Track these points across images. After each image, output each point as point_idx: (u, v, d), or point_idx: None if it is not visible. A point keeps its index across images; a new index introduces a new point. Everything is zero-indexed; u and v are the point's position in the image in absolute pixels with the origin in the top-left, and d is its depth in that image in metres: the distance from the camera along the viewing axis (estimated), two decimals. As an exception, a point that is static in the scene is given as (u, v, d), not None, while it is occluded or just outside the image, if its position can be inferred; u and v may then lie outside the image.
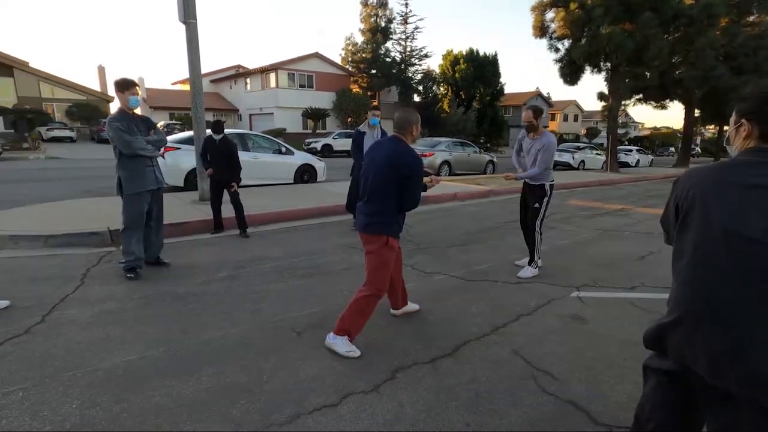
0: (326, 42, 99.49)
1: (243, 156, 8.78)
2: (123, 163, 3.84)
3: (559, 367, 2.57)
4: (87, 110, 29.74)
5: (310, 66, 32.83)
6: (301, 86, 32.69)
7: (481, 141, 34.67)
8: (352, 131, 27.13)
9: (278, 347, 2.71)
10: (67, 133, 25.89)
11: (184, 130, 15.50)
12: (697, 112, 25.85)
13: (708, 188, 1.27)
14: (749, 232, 1.18)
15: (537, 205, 4.18)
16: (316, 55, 33.06)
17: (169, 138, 8.95)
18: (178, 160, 8.47)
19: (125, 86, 3.82)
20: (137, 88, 3.92)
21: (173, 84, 41.57)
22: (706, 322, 1.28)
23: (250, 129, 32.38)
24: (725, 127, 30.32)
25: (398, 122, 2.69)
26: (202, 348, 2.67)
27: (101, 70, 34.26)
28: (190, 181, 8.36)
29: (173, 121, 28.67)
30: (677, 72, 20.19)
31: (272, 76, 31.86)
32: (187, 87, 32.06)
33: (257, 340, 2.80)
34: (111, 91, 33.97)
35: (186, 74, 7.16)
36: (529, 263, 4.31)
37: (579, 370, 2.55)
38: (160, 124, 27.55)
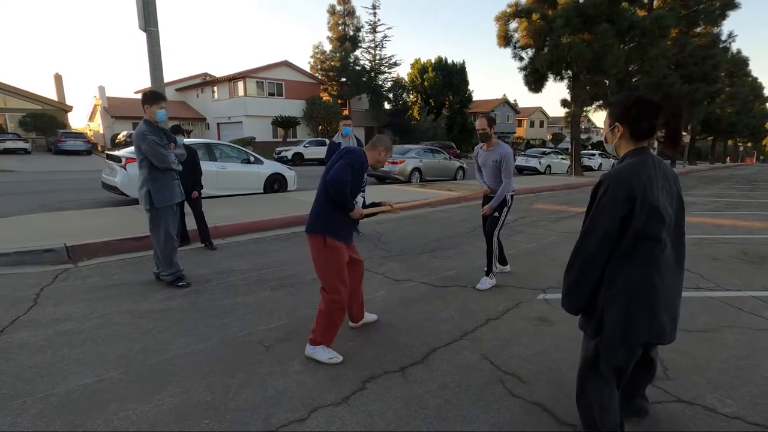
0: (295, 49, 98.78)
1: (210, 166, 8.65)
2: (154, 176, 3.85)
3: (526, 370, 2.62)
4: (42, 120, 28.37)
5: (279, 74, 32.57)
6: (271, 94, 32.37)
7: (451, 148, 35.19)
8: (323, 139, 26.87)
9: (245, 362, 2.65)
10: (21, 144, 24.58)
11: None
12: (653, 118, 27.14)
13: (644, 188, 1.62)
14: (664, 211, 1.62)
15: (497, 213, 4.15)
16: (286, 63, 32.85)
17: (133, 149, 8.66)
18: (141, 171, 8.19)
19: (154, 99, 3.84)
20: (165, 102, 3.96)
21: (136, 92, 40.21)
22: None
23: (219, 138, 31.75)
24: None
25: (372, 140, 2.88)
26: (164, 367, 2.57)
27: (58, 79, 32.82)
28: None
29: (137, 131, 27.69)
30: (634, 80, 21.20)
31: (240, 84, 31.41)
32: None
33: (223, 356, 2.73)
34: (69, 100, 32.61)
35: (149, 82, 6.95)
36: (487, 274, 4.19)
37: (545, 371, 2.61)
38: (123, 134, 26.66)
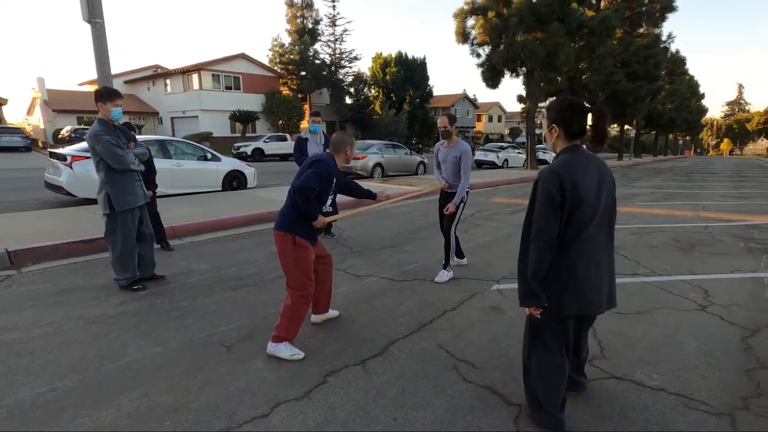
0: (252, 42, 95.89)
1: (164, 164, 8.37)
2: (112, 179, 3.66)
3: (478, 356, 2.79)
4: (-26, 114, 26.12)
5: (236, 67, 31.63)
6: (228, 88, 31.40)
7: (413, 142, 35.63)
8: (284, 134, 26.44)
9: (206, 363, 2.66)
10: (-51, 141, 22.58)
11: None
12: (602, 113, 28.69)
13: (573, 180, 1.83)
14: (593, 198, 1.85)
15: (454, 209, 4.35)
16: (243, 56, 31.94)
17: (79, 146, 8.23)
18: (90, 170, 7.77)
19: (108, 96, 3.63)
20: (121, 99, 3.74)
21: (80, 84, 37.86)
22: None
23: (173, 133, 30.51)
24: (626, 126, 33.91)
25: (333, 142, 2.92)
26: (121, 372, 2.54)
27: (-10, 69, 30.24)
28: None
29: (82, 126, 26.08)
30: (584, 77, 22.29)
31: (195, 77, 30.24)
32: (96, 88, 29.57)
33: (183, 358, 2.72)
34: (3, 92, 30.18)
35: (95, 75, 6.61)
36: (444, 267, 4.33)
37: (496, 357, 2.80)
38: (66, 129, 25.04)
